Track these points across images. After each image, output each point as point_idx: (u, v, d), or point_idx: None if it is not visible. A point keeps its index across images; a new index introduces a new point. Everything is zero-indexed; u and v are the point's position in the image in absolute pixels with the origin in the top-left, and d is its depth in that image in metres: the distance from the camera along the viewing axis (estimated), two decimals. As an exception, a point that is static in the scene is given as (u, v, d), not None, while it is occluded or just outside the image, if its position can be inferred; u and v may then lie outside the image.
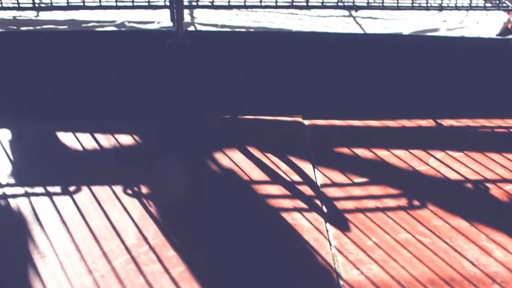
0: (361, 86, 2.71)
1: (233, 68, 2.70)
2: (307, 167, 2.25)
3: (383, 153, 2.35)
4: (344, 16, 3.05)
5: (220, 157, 2.29)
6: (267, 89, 2.68)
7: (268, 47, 2.73)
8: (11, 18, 2.75)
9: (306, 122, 2.52)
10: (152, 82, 2.69)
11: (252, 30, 2.78)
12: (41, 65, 2.68)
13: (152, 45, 2.69)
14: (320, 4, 2.78)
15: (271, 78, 2.69)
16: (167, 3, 2.71)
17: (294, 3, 2.76)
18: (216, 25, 2.86)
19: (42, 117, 2.54)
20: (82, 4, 2.64)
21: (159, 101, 2.62)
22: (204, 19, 2.90)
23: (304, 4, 2.76)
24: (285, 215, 2.02)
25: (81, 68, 2.70)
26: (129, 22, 2.82)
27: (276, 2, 2.75)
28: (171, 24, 2.80)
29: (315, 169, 2.24)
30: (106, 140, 2.36)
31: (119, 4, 2.66)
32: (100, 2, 2.65)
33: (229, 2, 2.73)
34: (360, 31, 2.89)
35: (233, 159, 2.28)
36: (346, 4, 2.79)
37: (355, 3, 2.78)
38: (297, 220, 2.00)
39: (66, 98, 2.64)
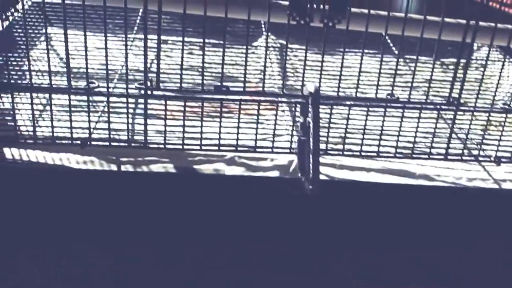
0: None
1: (364, 227, 2.42)
2: None
3: None
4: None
5: None
6: (406, 253, 2.40)
7: (405, 202, 2.45)
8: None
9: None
10: (270, 238, 2.40)
11: (385, 180, 2.49)
12: (139, 208, 2.39)
13: (269, 193, 2.40)
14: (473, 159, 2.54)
15: (409, 242, 2.41)
16: (293, 145, 2.43)
17: (449, 156, 2.49)
18: (334, 165, 2.58)
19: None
20: (199, 146, 2.35)
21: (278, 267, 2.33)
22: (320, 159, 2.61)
23: (459, 157, 2.49)
24: None
25: (185, 212, 2.41)
26: (240, 157, 2.52)
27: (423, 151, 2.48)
28: (285, 162, 2.52)
29: None
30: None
31: (239, 148, 2.38)
32: (219, 143, 2.37)
33: (360, 152, 2.46)
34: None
35: None
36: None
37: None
38: None
39: (173, 250, 2.34)
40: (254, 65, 3.16)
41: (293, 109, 2.67)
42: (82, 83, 2.49)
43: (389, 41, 3.27)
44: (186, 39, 3.12)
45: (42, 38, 3.09)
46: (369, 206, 2.46)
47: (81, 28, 2.17)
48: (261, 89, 2.45)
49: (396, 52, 3.31)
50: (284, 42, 3.20)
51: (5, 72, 2.27)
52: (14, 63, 2.69)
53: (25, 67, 2.69)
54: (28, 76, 2.22)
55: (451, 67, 3.45)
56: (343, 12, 2.20)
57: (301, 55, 3.25)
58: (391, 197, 2.46)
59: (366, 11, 2.41)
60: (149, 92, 2.24)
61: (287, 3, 2.27)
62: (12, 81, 2.36)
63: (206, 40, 2.87)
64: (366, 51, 2.34)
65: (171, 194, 2.41)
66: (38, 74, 2.68)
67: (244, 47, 2.38)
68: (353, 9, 2.38)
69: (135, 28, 3.26)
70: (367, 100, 2.46)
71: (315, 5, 2.19)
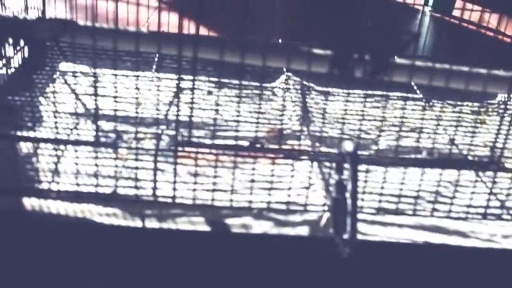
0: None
1: (396, 282, 2.31)
2: None
3: None
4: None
5: None
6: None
7: (440, 260, 2.35)
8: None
9: None
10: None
11: (420, 238, 2.39)
12: (163, 261, 2.27)
13: (301, 251, 2.29)
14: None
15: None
16: (326, 204, 2.32)
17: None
18: (365, 221, 2.47)
19: None
20: (229, 206, 2.24)
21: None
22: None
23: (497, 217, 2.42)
24: None
25: (209, 264, 2.29)
26: (268, 210, 2.41)
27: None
28: (315, 217, 2.41)
29: None
30: None
31: (272, 206, 2.27)
32: (250, 200, 2.25)
33: (396, 210, 2.34)
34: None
35: None
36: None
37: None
38: None
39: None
40: (274, 106, 3.05)
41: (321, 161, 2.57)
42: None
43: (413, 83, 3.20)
44: (205, 78, 3.03)
45: (57, 74, 2.96)
46: (404, 265, 2.36)
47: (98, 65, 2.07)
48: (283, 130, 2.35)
49: (420, 95, 3.24)
50: (307, 83, 3.11)
51: (26, 119, 2.14)
52: (32, 103, 2.56)
53: (42, 108, 2.57)
54: (46, 120, 2.10)
55: (475, 109, 3.38)
56: (387, 68, 2.10)
57: (324, 98, 3.16)
58: (427, 257, 2.37)
59: (406, 62, 2.32)
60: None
61: (326, 52, 2.17)
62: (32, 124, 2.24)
63: (226, 80, 2.78)
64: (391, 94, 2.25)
65: (196, 248, 2.29)
66: (56, 115, 2.55)
67: (264, 86, 2.27)
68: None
69: (154, 66, 3.14)
70: (406, 160, 2.36)
71: (357, 58, 2.09)
